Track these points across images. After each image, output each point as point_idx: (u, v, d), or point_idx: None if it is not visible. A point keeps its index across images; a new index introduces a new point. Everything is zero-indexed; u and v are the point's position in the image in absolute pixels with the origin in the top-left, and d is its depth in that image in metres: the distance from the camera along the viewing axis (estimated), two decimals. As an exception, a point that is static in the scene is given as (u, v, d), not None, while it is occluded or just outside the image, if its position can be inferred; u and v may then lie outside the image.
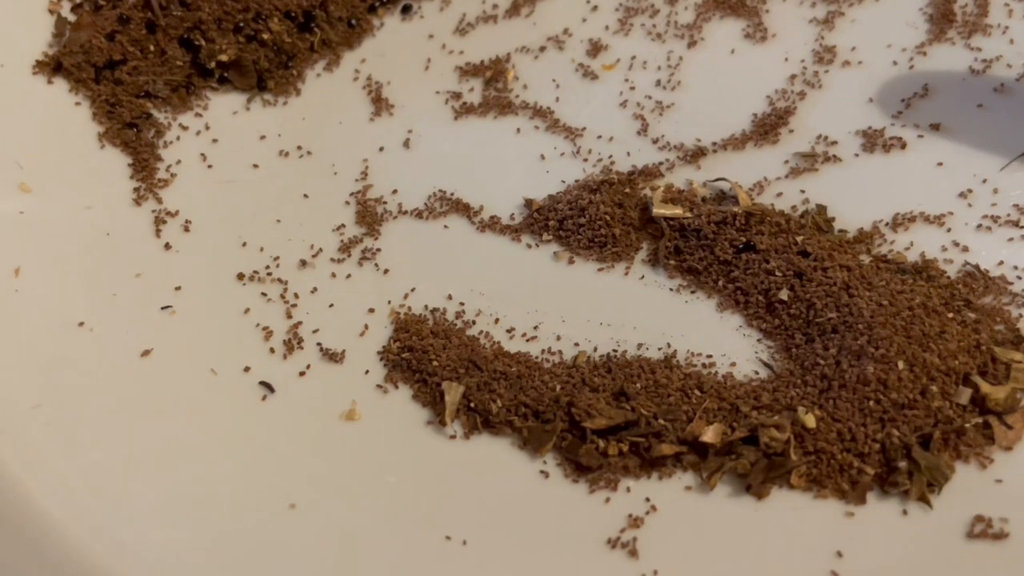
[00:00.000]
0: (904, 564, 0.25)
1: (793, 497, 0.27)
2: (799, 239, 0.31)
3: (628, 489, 0.27)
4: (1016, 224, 0.31)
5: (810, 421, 0.27)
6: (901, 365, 0.27)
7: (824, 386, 0.28)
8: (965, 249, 0.31)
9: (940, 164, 0.33)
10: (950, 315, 0.29)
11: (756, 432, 0.27)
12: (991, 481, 0.26)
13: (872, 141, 0.34)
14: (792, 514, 0.26)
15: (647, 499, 0.27)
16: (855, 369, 0.28)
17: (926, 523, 0.26)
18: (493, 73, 0.37)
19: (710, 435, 0.28)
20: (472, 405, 0.29)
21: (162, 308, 0.32)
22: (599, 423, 0.28)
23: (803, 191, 0.33)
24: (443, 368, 0.30)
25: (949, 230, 0.32)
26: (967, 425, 0.27)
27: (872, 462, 0.27)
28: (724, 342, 0.30)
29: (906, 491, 0.26)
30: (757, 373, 0.29)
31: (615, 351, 0.30)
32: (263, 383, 0.30)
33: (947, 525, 0.26)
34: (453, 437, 0.29)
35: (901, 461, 0.26)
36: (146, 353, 0.30)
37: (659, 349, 0.30)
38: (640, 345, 0.30)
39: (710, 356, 0.30)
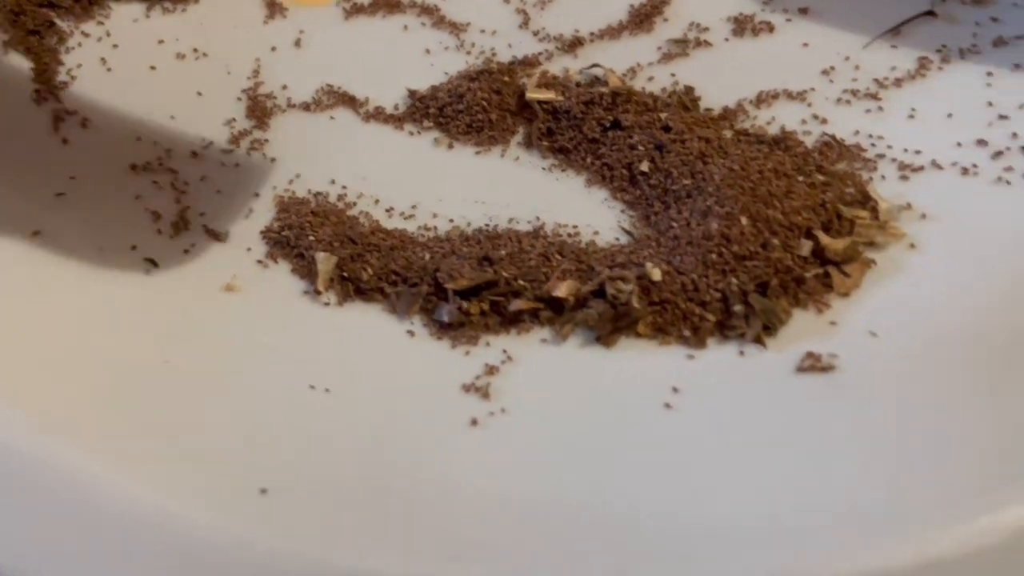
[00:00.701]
0: (736, 395, 0.26)
1: (639, 344, 0.28)
2: (663, 116, 0.33)
3: (488, 344, 0.29)
4: (874, 96, 0.33)
5: (655, 274, 0.29)
6: (744, 221, 0.29)
7: (673, 245, 0.29)
8: (824, 121, 0.32)
9: (806, 45, 0.35)
10: (800, 178, 0.30)
11: (604, 286, 0.29)
12: (826, 323, 0.28)
13: (742, 26, 0.35)
14: (637, 360, 0.28)
15: (504, 351, 0.29)
16: (701, 227, 0.29)
17: (760, 361, 0.27)
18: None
19: (563, 290, 0.29)
20: (345, 275, 0.31)
21: (56, 195, 0.33)
22: (461, 284, 0.29)
23: (673, 75, 0.35)
24: (319, 243, 0.31)
25: (810, 105, 0.33)
26: (806, 275, 0.28)
27: (713, 310, 0.28)
28: (590, 214, 0.32)
29: (742, 334, 0.28)
30: (618, 239, 0.31)
31: (487, 225, 0.32)
32: (147, 259, 0.31)
33: (779, 362, 0.27)
34: (327, 304, 0.30)
35: (738, 306, 0.28)
36: (35, 234, 0.32)
37: (528, 222, 0.32)
38: (511, 220, 0.32)
39: (575, 227, 0.31)
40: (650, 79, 0.34)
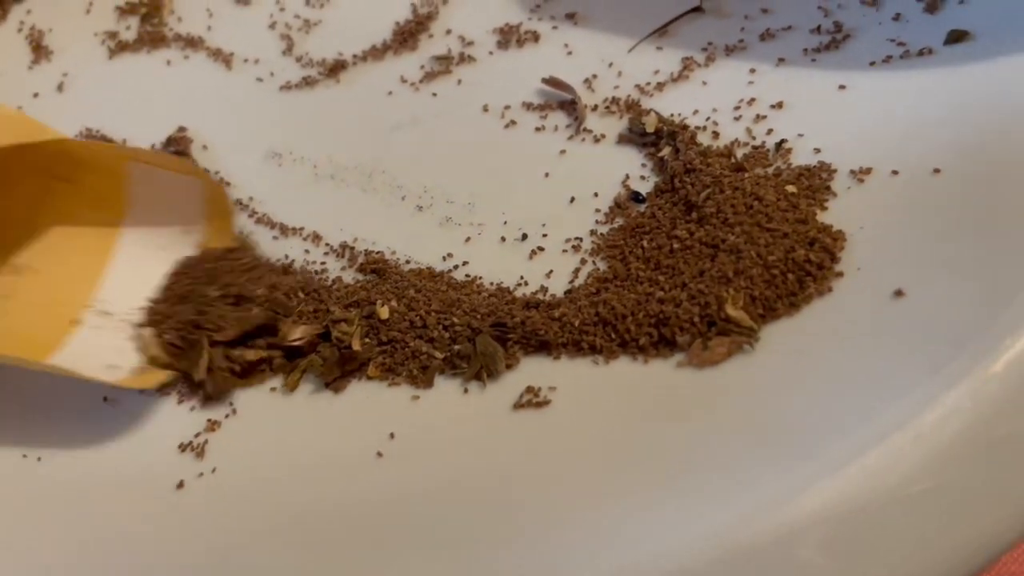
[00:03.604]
0: (450, 435, 0.25)
1: (369, 387, 0.27)
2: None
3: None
4: (634, 105, 0.31)
5: (383, 312, 0.27)
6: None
7: (403, 282, 0.28)
8: (588, 132, 0.31)
9: (570, 53, 0.33)
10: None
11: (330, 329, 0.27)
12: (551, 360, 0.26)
13: (507, 37, 0.34)
14: (364, 404, 0.26)
15: (231, 403, 0.27)
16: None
17: (482, 399, 0.26)
18: (149, 9, 0.37)
19: (297, 334, 0.28)
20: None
21: None
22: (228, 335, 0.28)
23: (435, 94, 0.33)
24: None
25: (576, 118, 0.31)
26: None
27: (440, 347, 0.27)
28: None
29: (463, 373, 0.26)
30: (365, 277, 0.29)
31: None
32: None
33: (500, 399, 0.26)
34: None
35: (459, 345, 0.26)
36: None
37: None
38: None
39: (323, 264, 0.30)
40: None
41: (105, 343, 0.28)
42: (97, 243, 0.30)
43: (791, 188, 0.27)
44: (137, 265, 0.30)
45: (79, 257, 0.30)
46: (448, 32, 0.35)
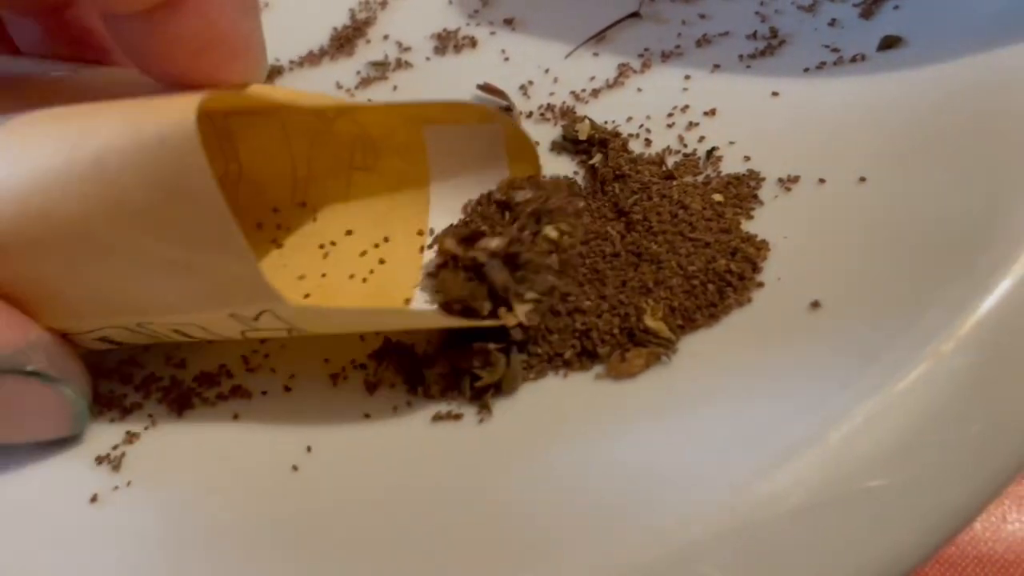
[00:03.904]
0: (370, 447, 0.25)
1: (283, 399, 0.27)
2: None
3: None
4: (570, 112, 0.31)
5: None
6: None
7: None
8: (522, 140, 0.31)
9: (507, 59, 0.33)
10: None
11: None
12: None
13: (444, 43, 0.34)
14: (278, 415, 0.26)
15: (150, 415, 0.27)
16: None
17: (406, 413, 0.25)
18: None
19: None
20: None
21: None
22: None
23: (370, 99, 0.33)
24: None
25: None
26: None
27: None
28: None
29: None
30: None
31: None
32: None
33: (417, 414, 0.25)
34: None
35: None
36: None
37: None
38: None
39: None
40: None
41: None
42: (408, 224, 0.29)
43: (718, 197, 0.27)
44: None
45: (393, 244, 0.29)
46: (386, 38, 0.34)
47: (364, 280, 0.28)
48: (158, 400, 0.27)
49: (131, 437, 0.26)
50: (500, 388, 0.24)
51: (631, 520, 0.20)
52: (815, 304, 0.23)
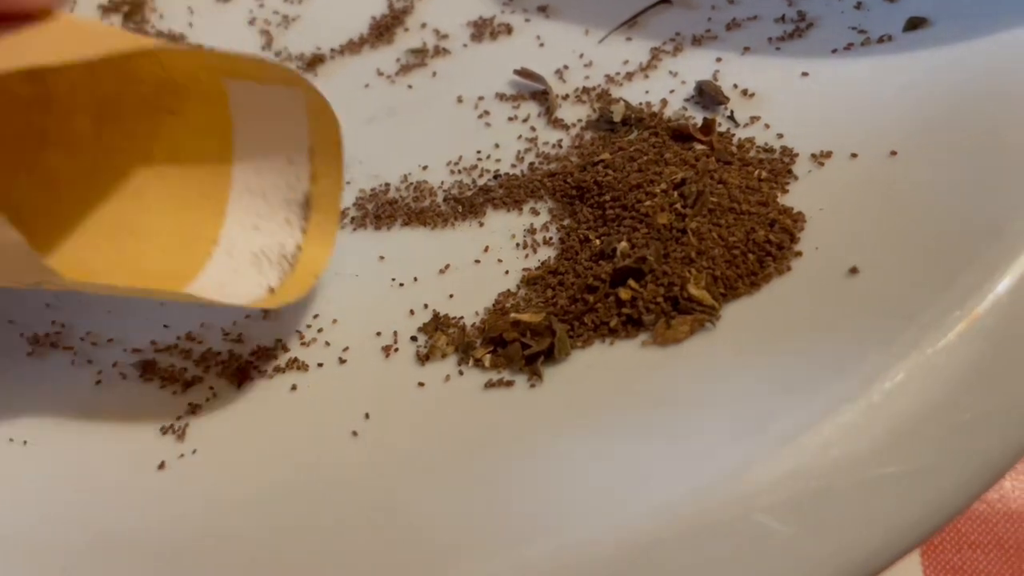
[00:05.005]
0: (432, 411, 0.26)
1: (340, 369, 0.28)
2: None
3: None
4: (605, 95, 0.32)
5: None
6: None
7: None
8: (557, 123, 0.32)
9: (542, 45, 0.34)
10: None
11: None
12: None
13: (481, 30, 0.35)
14: (335, 389, 0.27)
15: (211, 387, 0.28)
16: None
17: (459, 382, 0.26)
18: (131, 7, 0.38)
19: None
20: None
21: None
22: None
23: (411, 86, 0.34)
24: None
25: (548, 109, 0.32)
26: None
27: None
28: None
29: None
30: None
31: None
32: None
33: (470, 382, 0.26)
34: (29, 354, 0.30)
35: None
36: None
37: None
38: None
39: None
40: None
41: (232, 278, 0.29)
42: (213, 176, 0.29)
43: (754, 172, 0.28)
44: (254, 195, 0.29)
45: (198, 192, 0.29)
46: (423, 26, 0.36)
47: (167, 231, 0.29)
48: (218, 374, 0.28)
49: (194, 408, 0.27)
50: (551, 355, 0.26)
51: (682, 477, 0.22)
52: (853, 270, 0.24)
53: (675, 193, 0.27)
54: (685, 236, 0.26)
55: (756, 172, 0.28)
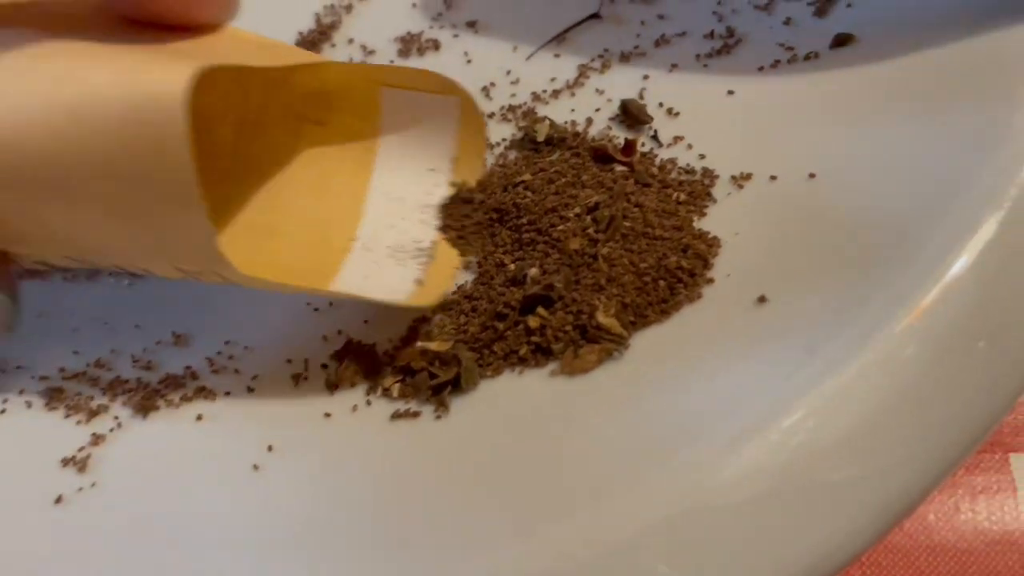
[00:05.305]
0: (343, 446, 0.25)
1: (248, 401, 0.27)
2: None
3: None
4: (531, 113, 0.31)
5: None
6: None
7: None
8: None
9: (469, 62, 0.33)
10: None
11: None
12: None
13: (408, 46, 0.34)
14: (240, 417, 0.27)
15: (115, 417, 0.27)
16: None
17: (365, 412, 0.26)
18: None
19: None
20: None
21: None
22: None
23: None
24: None
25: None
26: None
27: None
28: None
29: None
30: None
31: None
32: None
33: (376, 413, 0.26)
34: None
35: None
36: None
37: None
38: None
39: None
40: (312, 110, 0.33)
41: (375, 271, 0.28)
42: (352, 180, 0.29)
43: (673, 194, 0.27)
44: (391, 199, 0.29)
45: (336, 194, 0.29)
46: (350, 41, 0.35)
47: (304, 231, 0.29)
48: (124, 403, 0.27)
49: (97, 439, 0.27)
50: (458, 385, 0.25)
51: (580, 510, 0.21)
52: (761, 299, 0.23)
53: (588, 218, 0.26)
54: (596, 262, 0.25)
55: (675, 195, 0.27)
